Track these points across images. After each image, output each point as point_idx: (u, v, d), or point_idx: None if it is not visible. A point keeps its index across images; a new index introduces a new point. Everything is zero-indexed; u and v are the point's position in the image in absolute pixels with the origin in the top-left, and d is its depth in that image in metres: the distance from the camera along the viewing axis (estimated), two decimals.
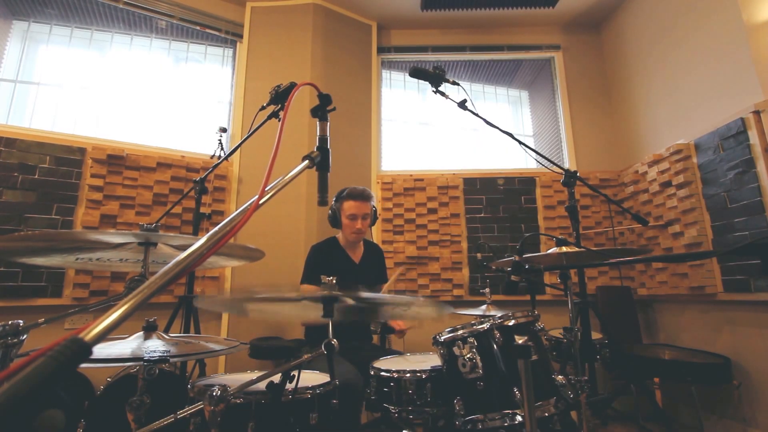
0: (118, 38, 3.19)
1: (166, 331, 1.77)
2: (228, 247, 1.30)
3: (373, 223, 2.17)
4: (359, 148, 3.36)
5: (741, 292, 2.28)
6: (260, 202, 0.69)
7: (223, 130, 3.08)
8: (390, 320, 2.07)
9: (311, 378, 1.33)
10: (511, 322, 1.33)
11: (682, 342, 2.76)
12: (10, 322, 0.94)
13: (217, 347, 1.19)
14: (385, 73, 3.79)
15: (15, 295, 2.36)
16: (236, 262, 1.53)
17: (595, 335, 2.28)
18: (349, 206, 2.05)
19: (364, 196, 2.07)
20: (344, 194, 2.09)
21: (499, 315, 1.38)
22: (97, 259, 1.30)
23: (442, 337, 1.38)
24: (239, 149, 2.54)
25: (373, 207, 2.15)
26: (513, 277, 1.27)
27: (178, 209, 2.76)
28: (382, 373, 1.51)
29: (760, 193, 2.16)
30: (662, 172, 2.82)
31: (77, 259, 1.26)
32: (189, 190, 2.28)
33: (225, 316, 2.82)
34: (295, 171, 0.79)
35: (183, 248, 1.26)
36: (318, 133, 0.92)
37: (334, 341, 0.98)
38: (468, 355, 1.29)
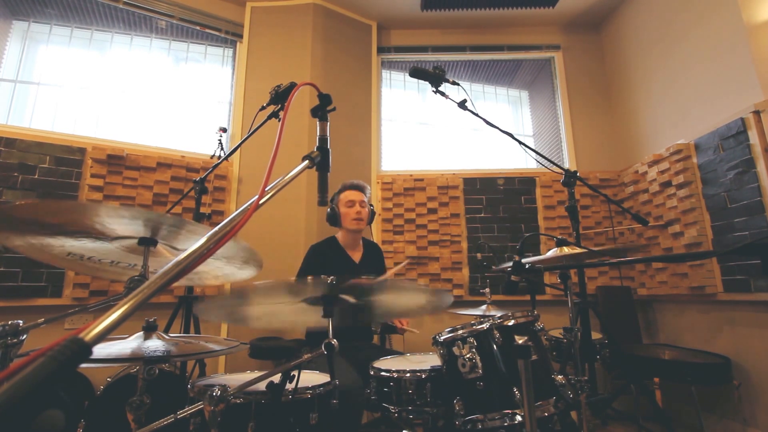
0: (118, 38, 3.19)
1: (166, 331, 1.77)
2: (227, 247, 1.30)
3: (370, 221, 2.18)
4: (359, 148, 3.36)
5: (741, 292, 2.28)
6: (260, 202, 0.69)
7: (223, 130, 3.08)
8: (393, 319, 2.08)
9: (311, 378, 1.33)
10: (511, 322, 1.33)
11: (682, 342, 2.76)
12: (10, 322, 0.94)
13: (217, 347, 1.19)
14: (385, 73, 3.79)
15: (15, 295, 2.36)
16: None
17: (595, 335, 2.28)
18: (345, 195, 2.13)
19: (359, 186, 2.17)
20: (339, 188, 2.18)
21: (499, 315, 1.38)
22: (98, 260, 1.30)
23: (442, 337, 1.38)
24: (239, 149, 2.55)
25: (370, 204, 2.19)
26: (513, 277, 1.27)
27: (178, 209, 2.75)
28: (382, 373, 1.51)
29: (760, 193, 2.16)
30: (662, 172, 2.82)
31: (74, 257, 1.25)
32: (189, 190, 2.28)
33: None
34: (295, 171, 0.79)
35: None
36: (318, 133, 0.92)
37: (334, 341, 0.98)
38: (468, 355, 1.29)
